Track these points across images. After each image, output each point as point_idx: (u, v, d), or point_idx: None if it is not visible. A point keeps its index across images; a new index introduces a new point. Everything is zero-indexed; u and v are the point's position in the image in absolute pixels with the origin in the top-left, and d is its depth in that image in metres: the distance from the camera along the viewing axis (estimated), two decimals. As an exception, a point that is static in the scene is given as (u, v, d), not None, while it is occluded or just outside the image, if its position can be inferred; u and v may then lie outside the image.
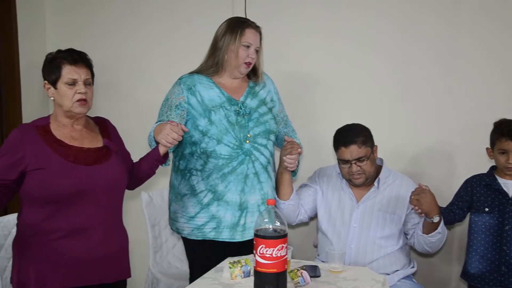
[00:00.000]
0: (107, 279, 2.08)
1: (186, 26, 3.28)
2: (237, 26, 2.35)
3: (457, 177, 2.74)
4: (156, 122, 2.27)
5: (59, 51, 2.05)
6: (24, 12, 3.39)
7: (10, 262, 2.10)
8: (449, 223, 2.60)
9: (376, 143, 2.52)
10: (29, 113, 3.38)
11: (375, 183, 2.51)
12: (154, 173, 2.29)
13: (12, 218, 2.25)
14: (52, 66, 2.01)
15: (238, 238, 2.34)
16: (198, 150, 2.31)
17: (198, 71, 2.41)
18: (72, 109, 2.01)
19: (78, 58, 2.03)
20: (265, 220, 1.83)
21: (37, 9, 3.51)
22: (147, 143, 2.30)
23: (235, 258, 2.15)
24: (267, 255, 1.78)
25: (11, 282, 2.03)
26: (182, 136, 2.11)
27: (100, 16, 3.47)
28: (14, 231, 2.12)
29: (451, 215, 2.57)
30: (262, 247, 1.79)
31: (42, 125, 2.04)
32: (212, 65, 2.38)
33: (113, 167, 2.09)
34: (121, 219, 2.18)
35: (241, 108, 2.36)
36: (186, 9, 3.28)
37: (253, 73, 2.45)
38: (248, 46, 2.34)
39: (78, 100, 2.00)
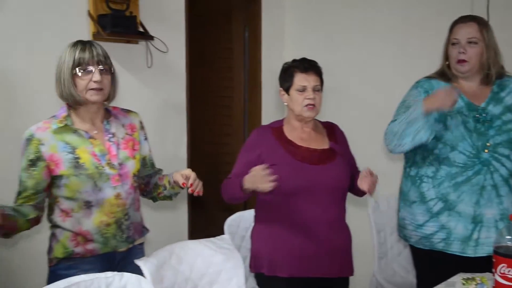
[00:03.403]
0: (331, 274, 2.17)
1: (419, 28, 3.22)
2: (451, 25, 2.28)
3: None
4: (392, 121, 2.27)
5: (293, 61, 2.23)
6: (267, 27, 3.77)
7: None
8: None
9: None
10: (267, 116, 3.72)
11: None
12: None
13: (252, 212, 2.50)
14: (286, 75, 2.20)
15: (470, 253, 2.19)
16: (430, 156, 2.24)
17: (435, 76, 2.34)
18: (301, 113, 2.17)
19: (309, 66, 2.18)
20: (507, 237, 1.70)
21: (279, 24, 3.86)
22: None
23: (469, 275, 2.03)
24: (509, 276, 1.65)
25: (250, 266, 2.27)
26: None
27: (330, 25, 3.69)
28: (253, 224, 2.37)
29: None
30: (503, 267, 1.67)
31: (277, 127, 2.25)
32: (443, 71, 2.31)
33: (336, 168, 2.18)
34: (344, 218, 2.25)
35: (481, 115, 2.21)
36: (420, 11, 3.22)
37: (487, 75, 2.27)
38: (455, 43, 2.22)
39: (306, 105, 2.14)
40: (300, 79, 2.16)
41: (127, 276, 1.74)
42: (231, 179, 2.20)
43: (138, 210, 2.09)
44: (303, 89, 2.15)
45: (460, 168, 2.18)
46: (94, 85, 1.86)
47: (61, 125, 1.90)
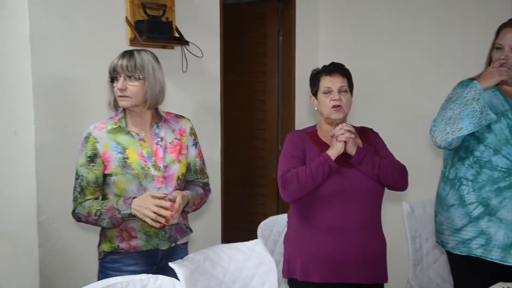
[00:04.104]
0: (365, 280, 2.15)
1: (455, 33, 3.17)
2: (498, 28, 2.21)
3: None
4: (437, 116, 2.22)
5: (323, 66, 2.25)
6: (301, 32, 3.77)
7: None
8: None
9: None
10: (300, 120, 3.72)
11: None
12: None
13: (285, 217, 2.50)
14: (314, 80, 2.24)
15: (511, 262, 2.14)
16: (471, 158, 2.19)
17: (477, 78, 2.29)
18: (329, 115, 2.19)
19: (334, 68, 2.21)
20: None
21: (313, 29, 3.87)
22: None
23: (509, 284, 1.97)
24: (551, 287, 1.59)
25: (283, 272, 2.28)
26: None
27: (364, 30, 3.67)
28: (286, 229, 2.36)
29: None
30: (544, 277, 1.60)
31: (311, 132, 2.28)
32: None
33: None
34: (379, 223, 2.24)
35: None
36: (457, 15, 3.17)
37: None
38: (499, 48, 2.16)
39: (333, 107, 2.16)
40: (325, 82, 2.19)
41: (162, 278, 1.77)
42: (296, 169, 2.11)
43: (181, 212, 2.12)
44: (328, 91, 2.18)
45: (503, 173, 2.13)
46: (118, 92, 1.98)
47: (115, 126, 2.03)
